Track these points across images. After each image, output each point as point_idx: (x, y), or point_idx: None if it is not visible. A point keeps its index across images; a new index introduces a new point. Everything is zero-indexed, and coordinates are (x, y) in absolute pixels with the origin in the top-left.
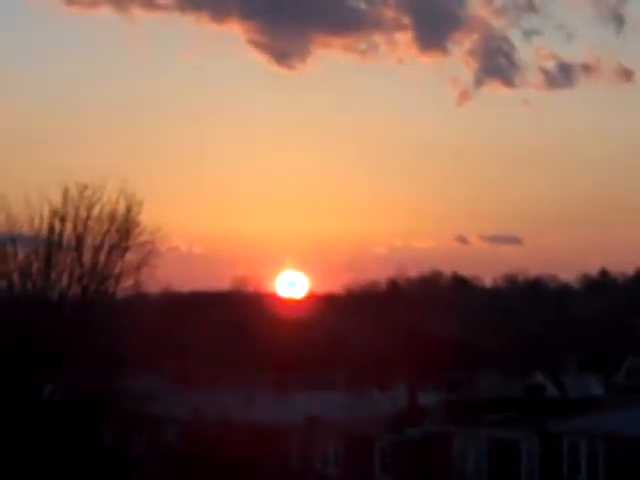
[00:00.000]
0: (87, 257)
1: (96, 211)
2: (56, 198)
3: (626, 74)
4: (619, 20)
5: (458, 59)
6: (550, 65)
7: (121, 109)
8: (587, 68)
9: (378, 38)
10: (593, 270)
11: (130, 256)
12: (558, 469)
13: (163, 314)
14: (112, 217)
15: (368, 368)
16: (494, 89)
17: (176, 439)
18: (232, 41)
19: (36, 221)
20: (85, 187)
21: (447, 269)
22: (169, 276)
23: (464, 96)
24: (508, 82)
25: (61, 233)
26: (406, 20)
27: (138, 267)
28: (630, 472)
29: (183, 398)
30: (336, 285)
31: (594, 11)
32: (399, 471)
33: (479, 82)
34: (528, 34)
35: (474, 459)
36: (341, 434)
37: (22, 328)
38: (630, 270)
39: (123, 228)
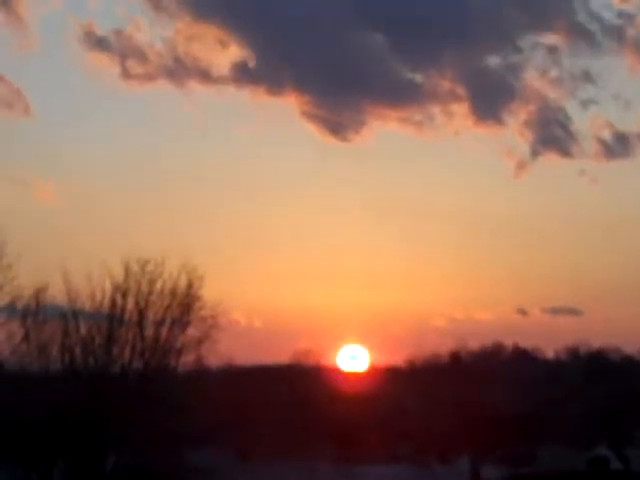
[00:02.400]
0: (149, 332)
1: (158, 286)
2: (118, 273)
3: None
4: None
5: (514, 130)
6: (606, 135)
7: (179, 183)
8: None
9: (434, 109)
10: None
11: (191, 330)
12: None
13: (225, 388)
14: (173, 292)
15: (431, 442)
16: (550, 160)
17: None
18: (287, 113)
19: (98, 296)
20: (147, 262)
21: (508, 341)
22: (230, 350)
23: (520, 167)
24: (564, 153)
25: (123, 308)
26: (462, 91)
27: (199, 341)
28: None
29: (245, 473)
30: (397, 358)
31: None
32: None
33: (535, 153)
34: (584, 104)
35: None
36: None
37: (85, 403)
38: None
39: (184, 303)
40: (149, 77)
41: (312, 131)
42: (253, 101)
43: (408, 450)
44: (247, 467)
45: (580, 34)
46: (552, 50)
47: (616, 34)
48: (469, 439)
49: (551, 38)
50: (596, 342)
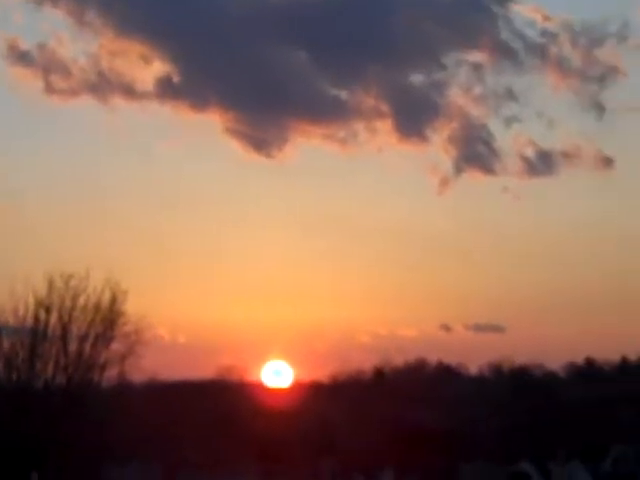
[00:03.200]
0: (72, 347)
1: (81, 301)
2: (41, 288)
3: (606, 162)
4: (599, 107)
5: (438, 147)
6: (529, 152)
7: (103, 198)
8: (567, 155)
9: (357, 126)
10: (579, 358)
11: (115, 345)
12: None
13: (148, 404)
14: (97, 307)
15: (354, 456)
16: (474, 177)
17: None
18: (210, 130)
19: (21, 310)
20: (70, 277)
21: (432, 357)
22: (154, 365)
23: (444, 183)
24: (488, 170)
25: (46, 323)
26: (385, 108)
27: (123, 356)
28: None
29: None
30: (321, 374)
31: (574, 99)
32: None
33: (459, 170)
34: (507, 121)
35: None
36: None
37: (7, 418)
38: (615, 358)
39: (108, 318)
40: (72, 92)
41: (235, 147)
42: (176, 117)
43: (331, 465)
44: None
45: (504, 52)
46: (476, 67)
47: (539, 52)
48: (392, 454)
49: (475, 56)
50: (520, 358)
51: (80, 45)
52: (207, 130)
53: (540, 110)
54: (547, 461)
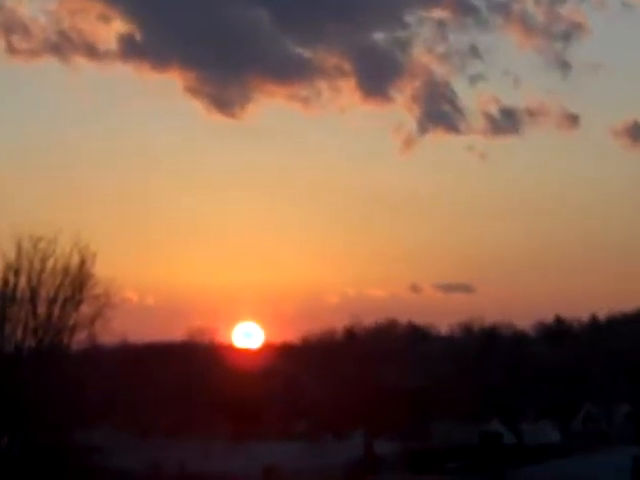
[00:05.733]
0: (41, 310)
1: (50, 263)
2: (9, 251)
3: (571, 119)
4: (564, 65)
5: (401, 106)
6: (494, 111)
7: (68, 159)
8: (532, 113)
9: (320, 85)
10: (548, 317)
11: (84, 308)
12: None
13: (119, 366)
14: (66, 270)
15: (325, 418)
16: (438, 136)
17: None
18: (172, 89)
19: None
20: (39, 240)
21: (402, 318)
22: (124, 328)
23: (408, 143)
24: (452, 128)
25: (15, 286)
26: (348, 67)
27: (93, 319)
28: None
29: (139, 450)
30: (291, 335)
31: (539, 57)
32: None
33: (423, 129)
34: (472, 80)
35: None
36: None
37: None
38: (585, 316)
39: (77, 281)
40: (34, 53)
41: (199, 107)
42: (138, 77)
43: (303, 426)
44: (143, 445)
45: (467, 9)
46: (439, 25)
47: (503, 9)
48: (363, 415)
49: (438, 13)
50: (489, 318)
51: (39, 4)
52: (169, 90)
53: (504, 68)
54: (518, 420)
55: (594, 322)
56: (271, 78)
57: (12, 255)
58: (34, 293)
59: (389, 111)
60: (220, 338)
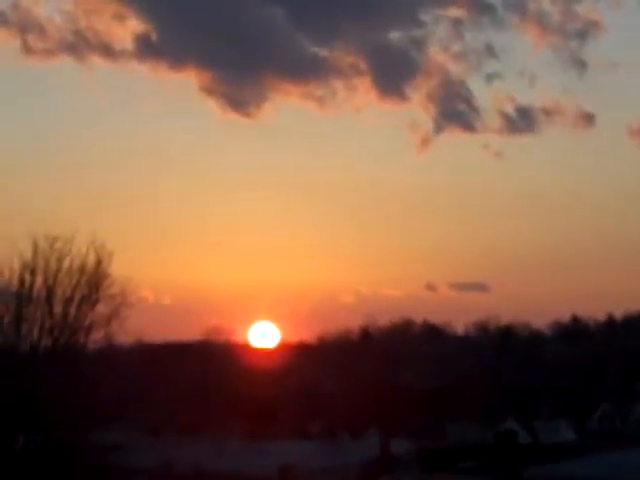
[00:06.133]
0: (58, 309)
1: (66, 263)
2: (26, 251)
3: (587, 118)
4: (580, 64)
5: (417, 105)
6: (510, 109)
7: (84, 159)
8: (547, 112)
9: (336, 84)
10: (564, 316)
11: (100, 307)
12: None
13: (135, 365)
14: (82, 269)
15: (340, 417)
16: (454, 134)
17: None
18: (187, 89)
19: (6, 273)
20: (55, 239)
21: (416, 316)
22: (139, 327)
23: (424, 142)
24: (468, 127)
25: (31, 285)
26: (364, 66)
27: (109, 318)
28: None
29: (154, 449)
30: (307, 334)
31: (555, 56)
32: None
33: (439, 128)
34: (488, 78)
35: None
36: None
37: None
38: (601, 316)
39: (93, 280)
40: (50, 52)
41: (214, 107)
42: (154, 77)
43: (319, 425)
44: (157, 443)
45: (483, 8)
46: (455, 24)
47: (519, 8)
48: (379, 414)
49: (454, 12)
50: (505, 317)
51: (54, 4)
52: (184, 89)
53: (520, 67)
54: (533, 419)
55: (610, 321)
56: (286, 77)
57: (28, 255)
58: (50, 293)
59: (405, 110)
60: (236, 337)
